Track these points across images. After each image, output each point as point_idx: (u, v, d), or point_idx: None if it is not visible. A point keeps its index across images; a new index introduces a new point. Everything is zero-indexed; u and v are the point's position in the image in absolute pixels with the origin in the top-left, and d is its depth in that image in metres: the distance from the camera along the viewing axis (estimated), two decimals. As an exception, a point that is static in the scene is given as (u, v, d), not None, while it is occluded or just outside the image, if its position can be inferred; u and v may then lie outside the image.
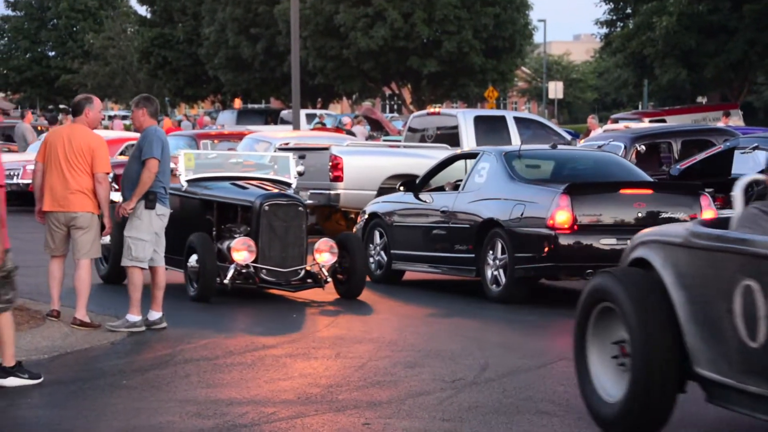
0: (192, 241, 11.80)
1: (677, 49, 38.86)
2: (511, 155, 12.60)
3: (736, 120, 29.94)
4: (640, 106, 54.09)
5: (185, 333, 10.26)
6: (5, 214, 7.93)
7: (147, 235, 10.28)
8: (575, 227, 11.49)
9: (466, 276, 12.71)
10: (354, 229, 14.85)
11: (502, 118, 22.29)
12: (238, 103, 55.55)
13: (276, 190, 12.30)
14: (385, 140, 27.82)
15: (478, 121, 21.60)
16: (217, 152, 14.51)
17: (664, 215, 11.74)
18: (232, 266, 11.65)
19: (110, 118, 54.88)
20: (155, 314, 10.34)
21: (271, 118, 45.71)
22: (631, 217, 11.74)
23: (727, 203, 14.57)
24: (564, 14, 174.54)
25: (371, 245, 13.76)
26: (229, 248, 11.77)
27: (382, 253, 13.70)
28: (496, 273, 12.01)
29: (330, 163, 17.57)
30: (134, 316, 10.21)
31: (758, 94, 53.90)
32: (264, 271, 11.76)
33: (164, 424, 7.17)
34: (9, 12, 76.62)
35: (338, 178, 17.55)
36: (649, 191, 12.02)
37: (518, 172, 12.41)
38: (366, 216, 14.10)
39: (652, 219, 11.54)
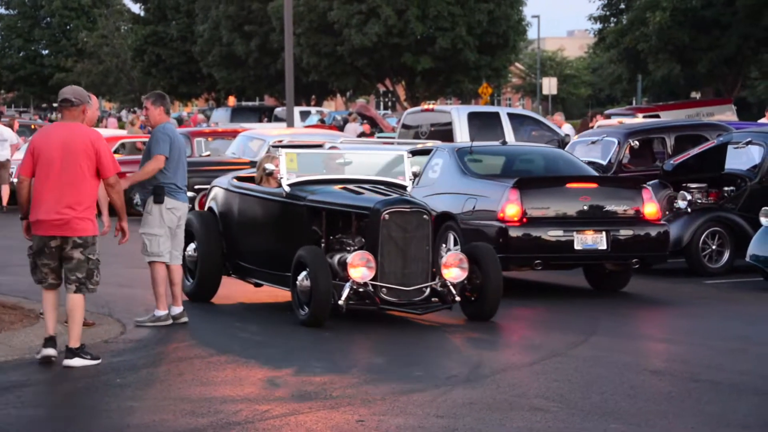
0: (302, 255, 10.19)
1: (671, 44, 38.88)
2: (463, 151, 13.21)
3: (729, 115, 29.93)
4: (633, 102, 54.09)
5: (179, 332, 10.25)
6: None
7: (159, 229, 10.40)
8: (524, 220, 12.04)
9: None
10: None
11: (496, 114, 22.32)
12: (232, 100, 55.51)
13: (395, 195, 10.54)
14: (379, 137, 27.83)
15: (472, 117, 21.62)
16: (321, 151, 12.56)
17: (607, 208, 12.25)
18: (348, 285, 10.05)
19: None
20: (176, 309, 10.49)
21: (265, 115, 45.69)
22: (577, 210, 12.18)
23: (720, 198, 14.62)
24: (558, 10, 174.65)
25: None
26: (344, 263, 10.20)
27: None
28: None
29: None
30: (160, 311, 10.41)
31: (752, 89, 53.90)
32: (384, 290, 10.14)
33: (158, 422, 7.17)
34: (2, 10, 76.50)
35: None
36: (594, 185, 12.48)
37: (470, 168, 12.97)
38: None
39: (597, 211, 12.18)
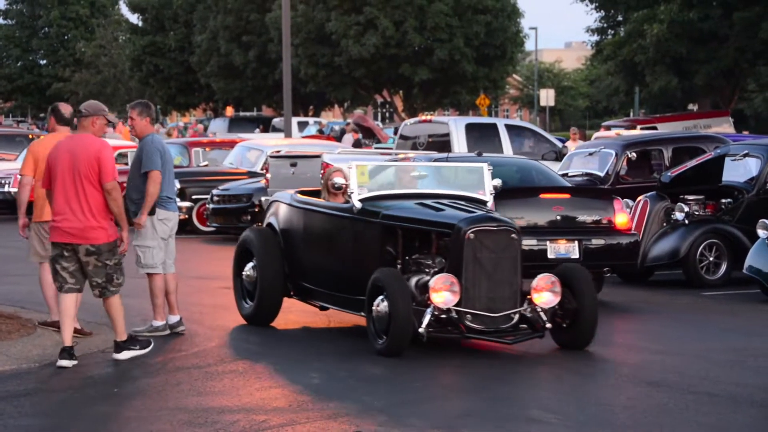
0: (379, 278, 9.37)
1: (668, 56, 38.94)
2: (440, 162, 13.38)
3: (726, 127, 29.99)
4: (631, 114, 54.16)
5: (176, 341, 10.24)
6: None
7: (152, 241, 10.41)
8: None
9: None
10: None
11: (494, 126, 22.37)
12: (229, 110, 55.55)
13: (480, 212, 9.73)
14: (376, 148, 27.85)
15: (470, 128, 21.66)
16: (393, 164, 11.73)
17: (580, 218, 12.48)
18: (429, 310, 9.24)
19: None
20: (173, 318, 10.54)
21: (261, 126, 45.73)
22: (550, 220, 12.41)
23: (717, 210, 14.63)
24: (555, 22, 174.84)
25: None
26: (423, 287, 9.44)
27: None
28: None
29: (322, 171, 17.58)
30: (158, 321, 10.47)
31: (749, 101, 53.98)
32: (469, 316, 9.32)
33: (155, 432, 7.16)
34: (0, 20, 76.55)
35: (330, 186, 17.54)
36: (567, 196, 12.73)
37: (446, 178, 13.01)
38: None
39: (570, 221, 12.42)
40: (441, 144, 20.83)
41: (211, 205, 19.93)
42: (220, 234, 20.15)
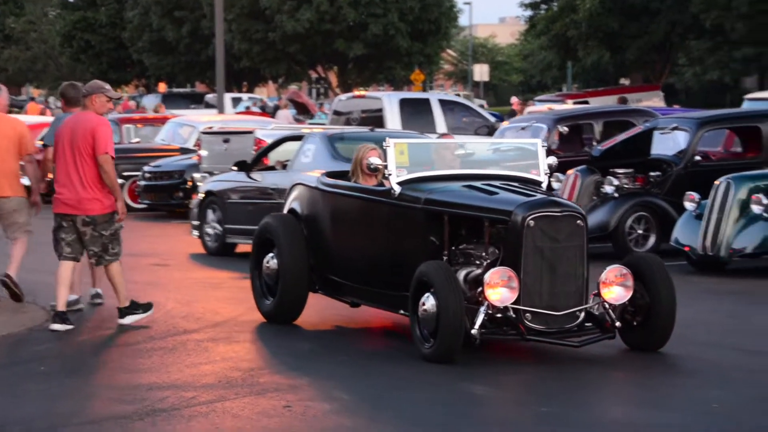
0: (426, 273, 8.22)
1: (600, 31, 39.25)
2: (334, 137, 13.83)
3: (656, 101, 30.30)
4: (564, 88, 54.51)
5: (105, 319, 10.17)
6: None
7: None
8: None
9: None
10: (191, 207, 15.61)
11: (427, 101, 22.39)
12: (162, 87, 55.04)
13: (540, 195, 8.52)
14: (310, 124, 27.76)
15: (403, 103, 21.67)
16: (433, 141, 10.39)
17: None
18: (483, 309, 8.10)
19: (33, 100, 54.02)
20: (74, 297, 10.40)
21: (192, 102, 45.39)
22: None
23: (646, 183, 14.80)
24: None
25: (206, 221, 14.88)
26: (474, 282, 8.39)
27: (217, 227, 14.74)
28: None
29: (255, 147, 17.50)
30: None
31: (679, 76, 54.55)
32: (528, 315, 8.19)
33: (83, 410, 7.11)
34: (-74, -4, 75.03)
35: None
36: None
37: (341, 153, 13.49)
38: (201, 194, 15.11)
39: None
40: (374, 119, 20.81)
41: (143, 182, 19.76)
42: (152, 211, 20.01)
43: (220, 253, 14.76)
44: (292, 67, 49.38)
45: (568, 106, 25.47)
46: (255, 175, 14.36)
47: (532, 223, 8.13)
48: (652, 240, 14.23)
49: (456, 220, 8.63)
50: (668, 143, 15.06)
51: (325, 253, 9.64)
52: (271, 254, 9.85)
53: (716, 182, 13.08)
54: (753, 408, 7.17)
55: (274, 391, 7.53)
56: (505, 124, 20.04)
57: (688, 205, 13.27)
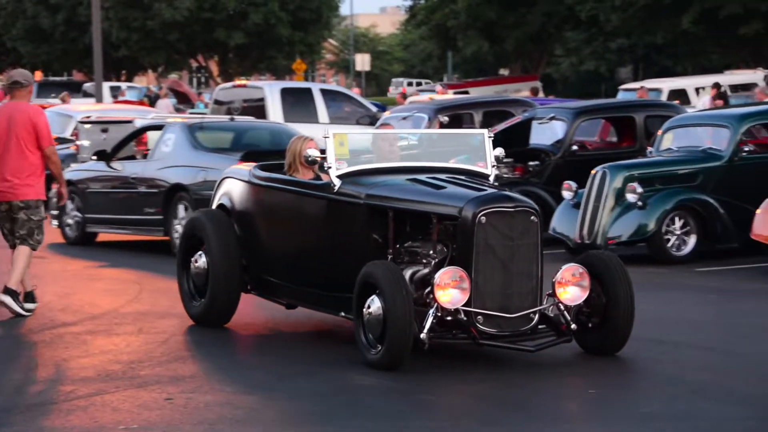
0: (372, 273, 7.69)
1: (479, 21, 39.68)
2: (194, 127, 14.11)
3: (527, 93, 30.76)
4: (445, 78, 54.95)
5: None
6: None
7: None
8: None
9: (156, 236, 14.06)
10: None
11: (309, 90, 22.37)
12: (38, 75, 53.87)
13: (490, 190, 8.01)
14: (191, 113, 27.50)
15: (285, 93, 21.62)
16: (372, 131, 9.69)
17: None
18: (431, 312, 7.60)
19: None
20: None
21: (73, 90, 44.54)
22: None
23: (525, 172, 15.02)
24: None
25: (66, 211, 15.03)
26: (422, 282, 7.92)
27: (77, 216, 14.94)
28: None
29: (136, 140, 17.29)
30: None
31: (556, 66, 55.48)
32: (480, 317, 7.68)
33: (-43, 406, 6.94)
34: None
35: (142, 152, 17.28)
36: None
37: (201, 142, 13.87)
38: None
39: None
40: (256, 109, 20.72)
41: (19, 173, 19.33)
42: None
43: (79, 242, 14.85)
44: (172, 56, 48.86)
45: (448, 96, 25.69)
46: (115, 164, 14.62)
47: (483, 219, 7.64)
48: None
49: (401, 217, 8.12)
50: (546, 133, 15.32)
51: (258, 252, 9.10)
52: (199, 252, 9.23)
53: (593, 171, 13.34)
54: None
55: (156, 384, 7.46)
56: (386, 114, 20.15)
57: (566, 194, 13.51)
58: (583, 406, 7.17)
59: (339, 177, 8.30)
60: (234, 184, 9.40)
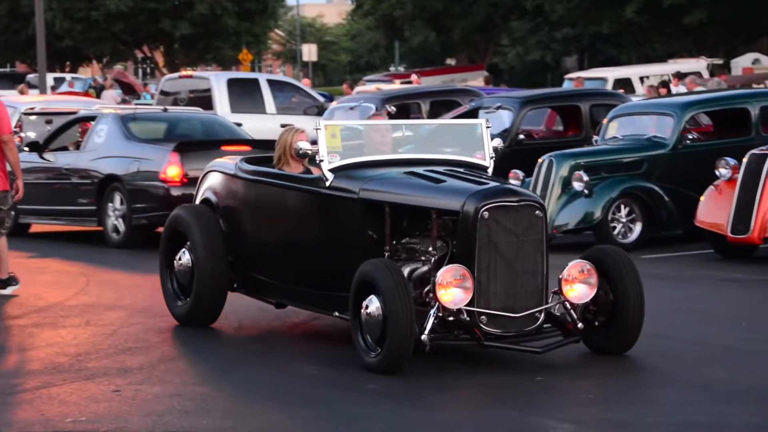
0: (369, 272, 7.29)
1: (425, 11, 39.76)
2: (127, 118, 14.32)
3: (481, 81, 30.89)
4: (391, 68, 54.99)
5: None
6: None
7: None
8: (185, 180, 13.15)
9: (89, 226, 14.30)
10: None
11: (255, 81, 22.31)
12: (-20, 66, 53.24)
13: (493, 183, 7.59)
14: (137, 105, 27.30)
15: (232, 84, 21.54)
16: (364, 123, 9.09)
17: None
18: (432, 312, 7.25)
19: None
20: None
21: (16, 82, 44.05)
22: None
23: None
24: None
25: None
26: (421, 280, 7.57)
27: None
28: (116, 222, 13.79)
29: (80, 129, 17.13)
30: None
31: (503, 56, 55.69)
32: (483, 317, 7.33)
33: None
34: None
35: (87, 144, 17.15)
36: (248, 147, 13.34)
37: (134, 133, 14.11)
38: None
39: None
40: (202, 100, 20.62)
41: (-39, 166, 19.11)
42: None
43: (12, 234, 14.59)
44: (117, 47, 48.46)
45: (396, 86, 25.73)
46: (47, 155, 14.68)
47: (486, 214, 7.24)
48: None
49: (398, 212, 7.70)
50: (493, 122, 15.34)
51: (246, 249, 8.71)
52: (183, 250, 8.83)
53: (539, 160, 13.42)
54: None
55: (103, 376, 7.41)
56: (334, 104, 20.14)
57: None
58: (583, 407, 6.76)
59: (331, 170, 7.88)
60: (219, 178, 9.01)
